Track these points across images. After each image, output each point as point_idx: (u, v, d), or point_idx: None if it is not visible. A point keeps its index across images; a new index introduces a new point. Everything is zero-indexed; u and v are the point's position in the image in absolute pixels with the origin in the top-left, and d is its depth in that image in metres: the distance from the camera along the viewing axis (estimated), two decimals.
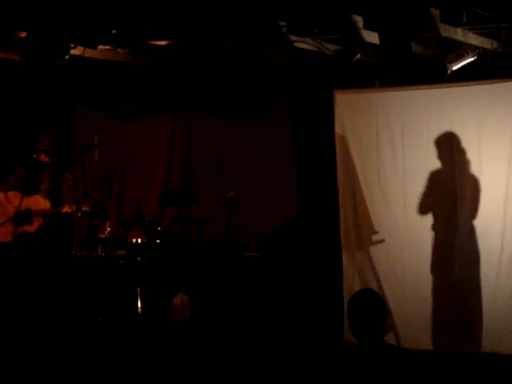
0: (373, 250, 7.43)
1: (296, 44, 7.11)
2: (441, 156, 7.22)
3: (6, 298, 7.30)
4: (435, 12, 6.44)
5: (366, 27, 6.70)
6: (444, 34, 6.73)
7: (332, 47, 7.22)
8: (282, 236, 9.17)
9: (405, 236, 7.33)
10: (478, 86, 7.14)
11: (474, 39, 7.16)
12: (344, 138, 7.52)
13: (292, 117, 9.61)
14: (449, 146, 7.18)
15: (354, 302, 3.92)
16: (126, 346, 7.15)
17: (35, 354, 6.71)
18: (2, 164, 8.23)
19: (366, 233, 7.49)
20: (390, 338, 7.07)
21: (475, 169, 7.08)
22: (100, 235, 8.29)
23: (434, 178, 7.24)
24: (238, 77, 9.20)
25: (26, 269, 7.35)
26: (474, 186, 7.07)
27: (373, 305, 3.88)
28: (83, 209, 7.46)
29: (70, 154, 9.39)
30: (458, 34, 6.94)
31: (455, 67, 7.27)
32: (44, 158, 7.54)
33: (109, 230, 8.35)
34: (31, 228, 7.44)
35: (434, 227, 7.24)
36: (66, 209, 7.41)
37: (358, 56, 7.04)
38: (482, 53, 7.41)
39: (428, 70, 7.25)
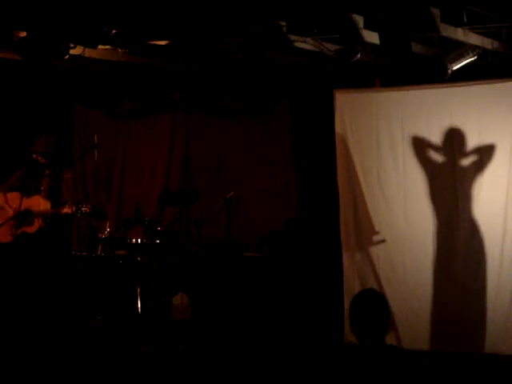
0: (373, 250, 7.42)
1: (296, 44, 7.11)
2: (441, 156, 7.21)
3: (6, 298, 7.29)
4: (435, 12, 6.44)
5: (366, 27, 6.70)
6: (444, 33, 6.73)
7: (332, 47, 7.22)
8: (282, 236, 9.16)
9: (405, 236, 7.32)
10: (478, 85, 7.12)
11: (474, 39, 7.16)
12: (344, 137, 7.50)
13: (292, 117, 9.61)
14: (449, 146, 7.17)
15: (357, 303, 3.90)
16: (126, 346, 7.14)
17: (35, 354, 6.70)
18: (2, 165, 8.23)
19: (366, 233, 7.47)
20: (390, 338, 7.02)
21: (476, 169, 7.07)
22: (100, 235, 8.29)
23: (435, 178, 7.24)
24: (238, 77, 9.20)
25: (26, 269, 7.35)
26: (474, 187, 7.06)
27: (376, 305, 3.87)
28: (83, 209, 7.47)
29: (70, 154, 9.39)
30: (459, 34, 6.94)
31: (456, 67, 7.27)
32: (43, 159, 7.54)
33: (109, 230, 8.35)
34: (31, 229, 7.44)
35: (435, 227, 7.23)
36: (66, 209, 7.41)
37: (358, 56, 7.04)
38: (482, 52, 7.40)
39: (428, 69, 7.25)
